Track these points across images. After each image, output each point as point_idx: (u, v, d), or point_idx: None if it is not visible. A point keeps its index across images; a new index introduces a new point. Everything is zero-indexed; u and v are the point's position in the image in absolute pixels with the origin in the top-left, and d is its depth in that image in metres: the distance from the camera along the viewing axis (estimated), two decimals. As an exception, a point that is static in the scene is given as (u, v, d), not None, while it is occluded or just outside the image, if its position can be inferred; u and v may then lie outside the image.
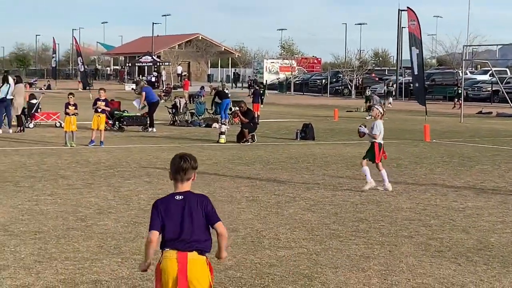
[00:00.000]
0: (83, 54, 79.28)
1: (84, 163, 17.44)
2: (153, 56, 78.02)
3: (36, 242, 9.41)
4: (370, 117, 38.59)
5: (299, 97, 65.00)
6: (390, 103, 50.47)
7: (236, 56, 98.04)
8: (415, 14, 39.22)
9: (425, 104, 38.17)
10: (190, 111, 32.64)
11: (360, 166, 14.93)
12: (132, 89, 65.70)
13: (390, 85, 54.53)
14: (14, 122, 25.79)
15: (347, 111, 43.91)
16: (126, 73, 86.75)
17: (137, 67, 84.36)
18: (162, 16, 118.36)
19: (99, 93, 22.18)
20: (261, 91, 47.31)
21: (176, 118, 31.29)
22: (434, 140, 25.48)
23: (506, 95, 43.39)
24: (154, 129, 27.22)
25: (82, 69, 74.97)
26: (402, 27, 61.87)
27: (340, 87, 67.55)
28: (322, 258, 8.94)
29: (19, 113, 26.14)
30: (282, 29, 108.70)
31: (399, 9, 62.21)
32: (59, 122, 27.41)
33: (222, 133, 23.94)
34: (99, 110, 21.53)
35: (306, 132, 25.34)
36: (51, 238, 9.67)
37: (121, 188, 13.90)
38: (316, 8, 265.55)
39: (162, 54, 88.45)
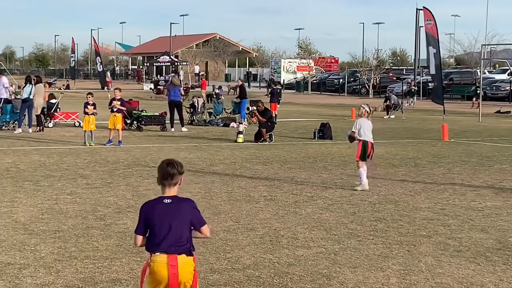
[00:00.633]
0: (101, 54, 79.81)
1: (103, 163, 17.53)
2: (171, 56, 78.09)
3: (56, 241, 9.47)
4: (387, 117, 38.57)
5: (317, 96, 64.92)
6: (413, 102, 50.19)
7: (254, 56, 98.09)
8: (431, 13, 39.09)
9: (443, 104, 38.03)
10: (208, 110, 32.69)
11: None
12: (151, 88, 65.98)
13: (413, 84, 54.12)
14: (33, 122, 25.95)
15: (365, 111, 43.75)
16: (144, 72, 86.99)
17: (155, 67, 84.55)
18: (180, 16, 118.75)
19: (114, 93, 22.30)
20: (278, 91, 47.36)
21: (194, 118, 31.36)
22: (452, 140, 25.37)
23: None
24: (185, 128, 27.62)
25: (100, 69, 75.52)
26: (419, 27, 61.59)
27: (358, 87, 67.39)
28: (341, 258, 8.94)
29: (39, 113, 26.30)
30: (299, 29, 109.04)
31: (416, 8, 61.98)
32: (78, 122, 27.55)
33: (240, 132, 23.97)
34: (115, 109, 21.62)
35: (324, 132, 25.32)
36: (71, 237, 9.74)
37: (139, 187, 13.96)
38: (334, 8, 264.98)
39: (180, 54, 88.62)
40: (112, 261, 8.56)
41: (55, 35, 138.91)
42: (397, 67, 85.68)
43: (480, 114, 37.25)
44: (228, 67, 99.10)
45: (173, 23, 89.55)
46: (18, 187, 13.69)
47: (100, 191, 13.38)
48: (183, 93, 31.71)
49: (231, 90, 59.35)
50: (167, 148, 21.16)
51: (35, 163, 17.13)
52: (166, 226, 5.68)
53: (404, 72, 73.12)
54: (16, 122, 26.18)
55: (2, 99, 26.14)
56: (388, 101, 40.68)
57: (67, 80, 77.59)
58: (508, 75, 55.72)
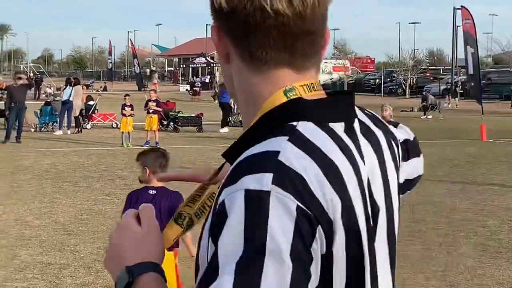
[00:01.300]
0: (138, 56, 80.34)
1: (140, 164, 17.60)
2: (207, 57, 78.44)
3: (95, 241, 9.55)
4: (425, 117, 38.27)
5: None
6: (455, 103, 49.64)
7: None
8: (470, 12, 38.71)
9: (481, 103, 37.65)
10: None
11: None
12: (187, 90, 66.28)
13: (457, 84, 53.52)
14: (72, 123, 26.23)
15: (402, 111, 43.50)
16: (180, 74, 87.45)
17: (191, 68, 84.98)
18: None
19: (150, 94, 22.43)
20: None
21: (230, 119, 31.39)
22: (491, 140, 25.09)
23: None
24: (223, 130, 27.86)
25: (137, 71, 76.06)
26: (457, 26, 61.03)
27: (394, 87, 66.97)
28: (379, 259, 8.86)
29: (77, 115, 26.58)
30: (335, 29, 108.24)
31: (454, 8, 61.40)
32: (116, 123, 27.77)
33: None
34: (150, 111, 21.75)
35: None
36: (110, 237, 9.79)
37: (176, 188, 13.98)
38: (370, 8, 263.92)
39: (215, 55, 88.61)
40: (150, 261, 8.59)
41: (93, 38, 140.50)
42: (434, 67, 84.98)
43: (519, 114, 36.79)
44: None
45: (209, 25, 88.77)
46: (58, 188, 13.83)
47: (138, 192, 13.44)
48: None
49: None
50: (203, 149, 21.22)
51: (74, 164, 17.30)
52: None
53: (441, 72, 72.51)
54: (54, 124, 26.50)
55: None
56: (425, 101, 40.37)
57: (105, 82, 78.28)
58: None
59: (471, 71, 38.65)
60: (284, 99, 1.44)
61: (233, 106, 31.77)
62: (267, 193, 1.26)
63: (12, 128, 22.33)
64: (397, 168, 1.63)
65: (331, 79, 76.97)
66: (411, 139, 2.21)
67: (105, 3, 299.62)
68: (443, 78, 62.88)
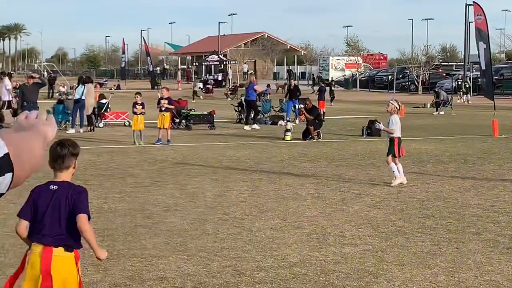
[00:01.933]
0: (151, 54, 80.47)
1: (151, 161, 17.70)
2: (220, 55, 78.48)
3: (104, 239, 9.58)
4: (437, 113, 38.14)
5: (365, 93, 64.48)
6: (467, 100, 49.30)
7: (302, 54, 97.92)
8: (482, 8, 38.49)
9: (493, 99, 37.42)
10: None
11: (386, 164, 14.91)
12: (200, 87, 66.36)
13: (468, 80, 53.17)
14: (84, 122, 26.31)
15: (414, 107, 43.41)
16: (193, 72, 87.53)
17: (204, 66, 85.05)
18: (228, 15, 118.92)
19: (162, 92, 22.47)
20: (331, 89, 47.36)
21: (242, 116, 31.41)
22: (503, 136, 24.97)
23: None
24: (249, 127, 28.06)
25: (150, 69, 76.19)
26: (469, 22, 60.75)
27: (407, 83, 66.80)
28: (388, 255, 8.88)
29: (90, 113, 26.67)
30: (347, 26, 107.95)
31: (466, 4, 61.11)
32: (128, 121, 27.84)
33: (287, 130, 23.96)
34: (163, 108, 21.79)
35: (372, 129, 25.15)
36: (119, 235, 9.85)
37: (187, 185, 14.05)
38: (382, 4, 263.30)
39: (228, 53, 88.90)
40: (159, 259, 8.63)
41: (106, 36, 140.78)
42: (447, 63, 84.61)
43: (532, 109, 36.60)
44: (276, 65, 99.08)
45: (222, 23, 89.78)
46: (69, 186, 13.87)
47: (149, 190, 13.51)
48: (259, 89, 32.12)
49: (279, 88, 59.33)
50: (215, 147, 21.26)
51: (85, 163, 17.36)
52: (46, 214, 5.18)
53: (454, 68, 72.19)
54: (67, 122, 26.61)
55: (6, 102, 26.55)
56: (438, 97, 40.22)
57: (118, 80, 78.46)
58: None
59: (483, 66, 38.40)
60: None
61: (245, 104, 31.81)
62: None
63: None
64: None
65: (343, 75, 76.88)
66: None
67: (118, 2, 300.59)
68: (456, 74, 62.57)
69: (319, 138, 23.76)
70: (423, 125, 30.65)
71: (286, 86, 32.96)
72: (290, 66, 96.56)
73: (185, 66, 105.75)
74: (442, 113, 38.20)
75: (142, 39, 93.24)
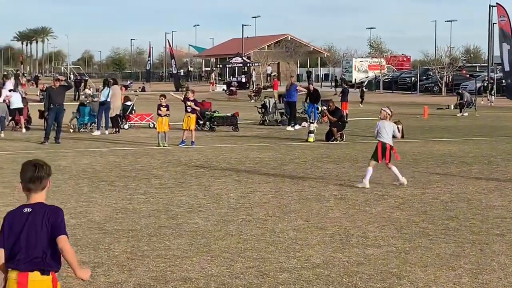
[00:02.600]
0: (175, 57, 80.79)
1: (175, 163, 17.79)
2: (243, 57, 78.56)
3: (129, 240, 9.67)
4: (460, 114, 37.94)
5: (388, 95, 64.21)
6: (491, 102, 48.88)
7: (325, 56, 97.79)
8: (505, 10, 38.29)
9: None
10: (280, 110, 32.74)
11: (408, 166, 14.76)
12: (223, 89, 66.51)
13: (491, 81, 52.72)
14: (110, 124, 26.51)
15: (438, 109, 43.21)
16: (216, 74, 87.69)
17: (227, 68, 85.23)
18: (252, 18, 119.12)
19: (187, 94, 22.58)
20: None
21: (266, 118, 31.48)
22: (529, 137, 24.80)
23: None
24: (291, 127, 28.37)
25: (175, 71, 76.52)
26: (493, 23, 60.35)
27: (430, 85, 66.42)
28: (411, 257, 8.88)
29: (115, 115, 26.84)
30: (370, 28, 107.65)
31: (489, 5, 60.70)
32: (153, 123, 27.98)
33: (311, 132, 23.98)
34: (189, 110, 21.89)
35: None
36: (144, 236, 9.93)
37: (211, 187, 14.12)
38: (405, 6, 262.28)
39: (252, 55, 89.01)
40: (183, 260, 8.70)
41: (131, 39, 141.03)
42: (470, 64, 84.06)
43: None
44: (299, 67, 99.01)
45: (245, 25, 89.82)
46: (94, 187, 14.02)
47: (173, 191, 13.60)
48: (302, 90, 32.21)
49: (303, 90, 59.20)
50: (238, 148, 21.31)
51: (110, 164, 17.50)
52: (17, 238, 5.01)
53: (477, 70, 71.66)
54: (93, 124, 26.82)
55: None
56: (461, 98, 40.02)
57: (143, 83, 78.82)
58: None
59: (507, 68, 38.25)
60: None
61: (268, 106, 31.89)
62: None
63: (51, 129, 22.66)
64: None
65: (366, 77, 76.64)
66: None
67: (143, 5, 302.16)
68: (479, 75, 62.15)
69: (342, 140, 23.74)
70: (446, 126, 30.50)
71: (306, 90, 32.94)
72: (313, 68, 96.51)
73: (209, 68, 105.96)
74: (465, 114, 37.99)
75: (167, 41, 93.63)
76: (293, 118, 29.39)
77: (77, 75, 70.13)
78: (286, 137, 25.31)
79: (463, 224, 10.75)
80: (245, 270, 8.24)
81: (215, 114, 28.62)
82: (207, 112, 28.67)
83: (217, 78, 77.40)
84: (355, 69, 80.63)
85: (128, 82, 77.91)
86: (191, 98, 22.15)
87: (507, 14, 38.07)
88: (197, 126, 24.70)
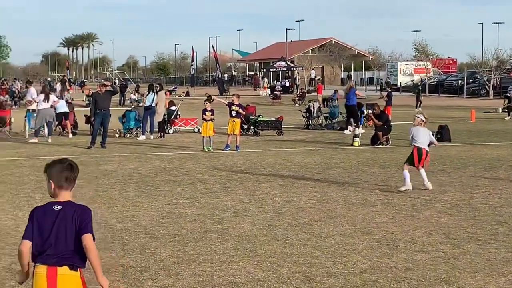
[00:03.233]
0: (219, 61, 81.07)
1: (220, 167, 17.83)
2: (287, 61, 78.55)
3: (175, 244, 9.70)
4: (509, 118, 37.39)
5: (434, 98, 63.61)
6: None
7: (370, 59, 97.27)
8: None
9: None
10: (324, 114, 32.66)
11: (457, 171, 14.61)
12: (267, 94, 66.54)
13: None
14: (155, 128, 26.69)
15: (485, 112, 42.66)
16: (260, 78, 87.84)
17: (271, 73, 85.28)
18: (296, 21, 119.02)
19: (232, 99, 22.63)
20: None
21: (310, 122, 31.42)
22: None
23: None
24: (349, 131, 28.17)
25: (219, 76, 76.79)
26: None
27: (477, 88, 65.65)
28: (460, 262, 8.75)
29: (160, 120, 27.03)
30: (416, 31, 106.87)
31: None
32: (197, 128, 28.12)
33: (356, 136, 23.85)
34: (234, 114, 21.94)
35: (442, 134, 24.85)
36: (190, 240, 9.95)
37: (256, 191, 14.11)
38: (451, 9, 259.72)
39: (295, 59, 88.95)
40: (229, 264, 8.69)
41: (175, 44, 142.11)
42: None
43: None
44: (344, 71, 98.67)
45: (289, 29, 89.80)
46: (140, 192, 14.11)
47: (218, 195, 13.62)
48: (360, 94, 32.15)
49: (362, 94, 59.17)
50: (283, 153, 21.28)
51: (156, 169, 17.61)
52: (47, 234, 5.11)
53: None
54: (138, 129, 27.03)
55: (31, 110, 27.04)
56: (509, 101, 39.44)
57: (187, 87, 79.27)
58: None
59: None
60: None
61: (313, 110, 31.80)
62: None
63: (97, 133, 22.91)
64: None
65: (412, 80, 75.99)
66: None
67: (187, 11, 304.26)
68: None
69: (388, 144, 23.56)
70: (494, 130, 30.08)
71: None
72: (357, 72, 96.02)
73: (252, 73, 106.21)
74: (514, 117, 37.44)
75: (211, 46, 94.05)
76: (355, 120, 29.14)
77: (122, 80, 70.76)
78: (331, 142, 25.20)
79: (513, 229, 10.56)
80: (291, 275, 8.20)
81: (259, 119, 28.66)
82: (251, 117, 28.73)
83: (265, 81, 77.32)
84: (400, 73, 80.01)
85: (173, 87, 78.36)
86: (236, 103, 22.19)
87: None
88: (241, 130, 24.74)
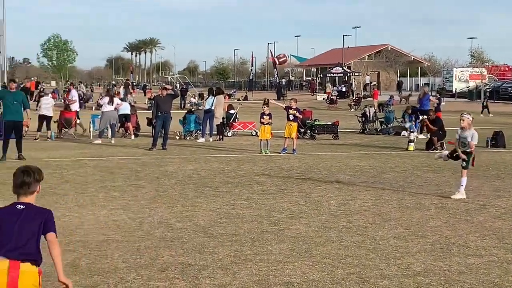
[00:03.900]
0: (277, 66, 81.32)
1: (277, 170, 18.07)
2: (344, 67, 78.43)
3: (232, 244, 9.94)
4: None
5: (490, 104, 62.50)
6: None
7: (425, 66, 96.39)
8: None
9: None
10: (380, 119, 32.66)
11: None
12: (324, 99, 66.53)
13: None
14: (214, 131, 27.11)
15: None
16: (317, 83, 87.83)
17: (328, 78, 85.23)
18: (353, 28, 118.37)
19: (290, 103, 22.87)
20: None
21: (366, 127, 31.46)
22: None
23: None
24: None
25: (277, 81, 77.09)
26: None
27: (532, 94, 64.55)
28: (513, 267, 8.83)
29: (219, 123, 27.44)
30: (472, 38, 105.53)
31: None
32: (255, 131, 28.42)
33: (411, 141, 23.87)
34: (291, 118, 22.18)
35: (497, 140, 24.76)
36: (247, 240, 10.19)
37: (312, 193, 14.31)
38: (507, 15, 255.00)
39: (352, 65, 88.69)
40: (285, 264, 8.88)
41: (235, 49, 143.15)
42: None
43: None
44: (399, 77, 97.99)
45: (346, 35, 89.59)
46: (199, 192, 14.44)
47: (275, 197, 13.86)
48: (436, 101, 32.09)
49: (403, 99, 59.00)
50: (338, 156, 21.41)
51: (214, 170, 17.93)
52: (10, 231, 5.37)
53: None
54: (198, 132, 27.48)
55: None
56: None
57: (246, 92, 79.69)
58: None
59: None
60: None
61: (368, 115, 31.84)
62: None
63: (159, 135, 23.42)
64: None
65: (467, 87, 75.18)
66: None
67: (246, 17, 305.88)
68: None
69: (443, 149, 23.50)
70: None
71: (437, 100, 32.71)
72: (413, 78, 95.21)
73: (310, 78, 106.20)
74: None
75: (270, 51, 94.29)
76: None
77: (183, 84, 71.47)
78: (385, 146, 25.23)
79: None
80: (346, 276, 8.36)
81: (315, 123, 28.84)
82: (308, 121, 28.93)
83: (328, 86, 77.31)
84: (455, 79, 79.19)
85: (232, 91, 78.89)
86: (294, 107, 22.43)
87: None
88: (298, 134, 24.94)
